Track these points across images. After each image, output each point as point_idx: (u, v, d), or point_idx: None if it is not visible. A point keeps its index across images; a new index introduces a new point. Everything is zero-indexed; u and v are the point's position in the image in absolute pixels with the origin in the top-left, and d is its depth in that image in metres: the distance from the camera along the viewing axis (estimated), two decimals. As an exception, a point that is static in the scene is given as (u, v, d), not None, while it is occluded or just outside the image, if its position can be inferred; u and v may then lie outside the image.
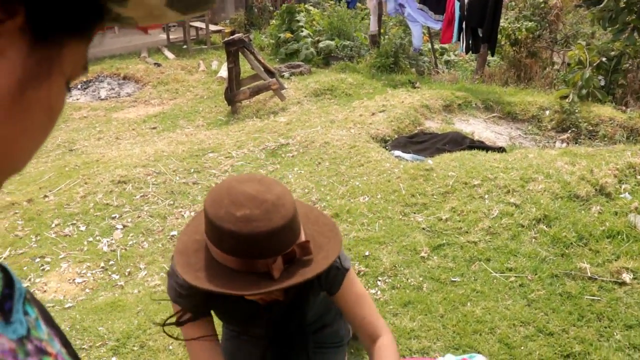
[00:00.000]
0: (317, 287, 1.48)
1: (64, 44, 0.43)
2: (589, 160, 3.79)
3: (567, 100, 5.64)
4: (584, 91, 5.71)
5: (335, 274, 1.47)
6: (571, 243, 3.01)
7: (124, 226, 3.57)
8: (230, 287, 1.15)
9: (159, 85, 8.19)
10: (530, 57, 7.83)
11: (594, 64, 5.94)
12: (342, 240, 1.28)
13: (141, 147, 5.16)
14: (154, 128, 6.42)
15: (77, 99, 7.95)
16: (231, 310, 1.45)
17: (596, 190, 3.44)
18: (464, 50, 6.95)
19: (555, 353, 2.32)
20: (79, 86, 8.34)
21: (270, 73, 6.56)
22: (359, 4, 9.91)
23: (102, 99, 7.92)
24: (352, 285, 1.52)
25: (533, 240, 3.06)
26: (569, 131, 5.38)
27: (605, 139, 5.19)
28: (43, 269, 3.17)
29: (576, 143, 5.17)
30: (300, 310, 1.41)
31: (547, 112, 5.71)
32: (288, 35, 8.71)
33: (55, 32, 0.41)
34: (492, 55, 7.13)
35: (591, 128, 5.36)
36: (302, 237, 1.22)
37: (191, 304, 1.37)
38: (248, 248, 1.15)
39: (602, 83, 6.07)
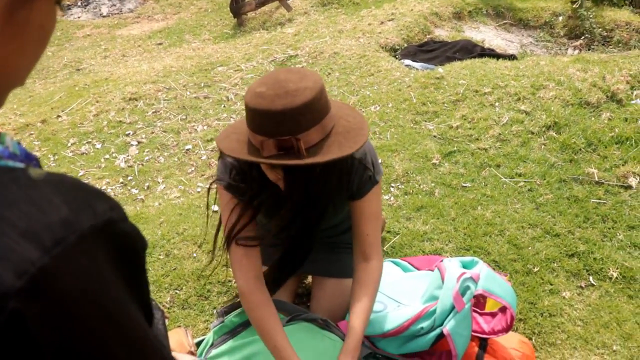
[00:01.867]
0: (344, 189, 1.56)
1: None
2: (602, 67, 3.75)
3: (576, 5, 5.47)
4: (598, -6, 5.53)
5: (366, 181, 1.54)
6: (580, 149, 3.06)
7: (139, 142, 3.62)
8: (232, 150, 1.34)
9: (161, 0, 8.00)
10: (544, -41, 7.51)
11: (611, -35, 5.71)
12: (354, 148, 1.32)
13: (149, 64, 5.13)
14: (160, 44, 6.34)
15: (79, 17, 7.79)
16: (260, 195, 1.56)
17: (607, 96, 3.44)
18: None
19: (561, 252, 2.43)
20: (79, 3, 8.14)
21: (275, -17, 6.38)
22: None
23: (104, 16, 7.76)
24: (374, 200, 1.59)
25: (542, 146, 3.10)
26: (582, 37, 5.26)
27: (620, 44, 5.08)
28: (64, 186, 3.26)
29: (589, 50, 5.08)
30: (317, 207, 1.50)
31: (560, 19, 5.57)
32: (291, -58, 8.36)
33: None
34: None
35: (605, 34, 5.24)
36: (312, 136, 1.29)
37: (235, 186, 1.54)
38: (251, 120, 1.31)
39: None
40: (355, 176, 1.54)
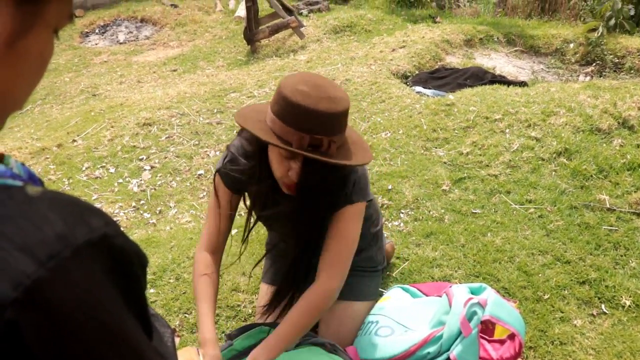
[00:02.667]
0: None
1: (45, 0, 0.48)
2: (613, 93, 3.75)
3: (595, 34, 5.48)
4: (612, 22, 5.55)
5: (343, 199, 1.58)
6: (591, 175, 3.05)
7: (152, 167, 3.67)
8: (260, 132, 1.40)
9: (177, 27, 8.16)
10: (555, -12, 7.57)
11: (624, -7, 5.74)
12: (367, 161, 1.49)
13: (163, 90, 5.21)
14: (175, 70, 6.45)
15: (96, 44, 7.96)
16: (258, 192, 1.66)
17: (619, 123, 3.44)
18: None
19: (572, 280, 2.41)
20: (96, 31, 8.33)
21: (289, 11, 6.49)
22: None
23: (121, 43, 7.93)
24: (346, 220, 1.59)
25: (553, 173, 3.09)
26: (594, 64, 5.28)
27: (632, 71, 5.09)
28: (78, 209, 3.30)
29: (600, 76, 5.09)
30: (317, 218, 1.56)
31: (572, 45, 5.59)
32: (305, -29, 8.52)
33: None
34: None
35: (617, 60, 5.26)
36: (338, 141, 1.42)
37: (229, 176, 1.65)
38: (287, 114, 1.37)
39: (632, 13, 5.88)
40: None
